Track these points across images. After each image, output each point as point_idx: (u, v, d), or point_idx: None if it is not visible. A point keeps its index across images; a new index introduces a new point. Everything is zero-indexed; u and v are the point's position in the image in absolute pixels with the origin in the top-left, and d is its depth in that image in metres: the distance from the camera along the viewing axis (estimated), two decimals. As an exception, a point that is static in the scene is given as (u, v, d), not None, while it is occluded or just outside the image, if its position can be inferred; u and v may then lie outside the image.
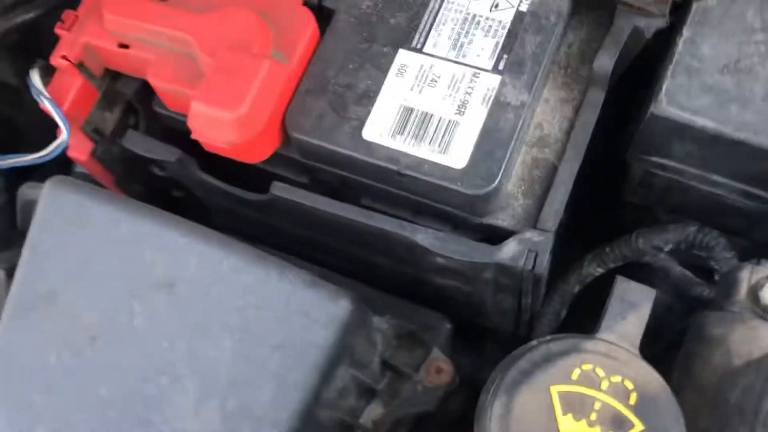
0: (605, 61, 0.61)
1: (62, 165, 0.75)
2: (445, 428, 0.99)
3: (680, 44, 0.60)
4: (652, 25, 0.62)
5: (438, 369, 0.72)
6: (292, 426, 0.58)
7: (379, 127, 0.61)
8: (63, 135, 0.67)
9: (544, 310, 0.72)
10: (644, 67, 0.67)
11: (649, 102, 0.60)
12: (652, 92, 0.61)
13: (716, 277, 0.63)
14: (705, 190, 0.66)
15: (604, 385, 0.48)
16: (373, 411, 0.72)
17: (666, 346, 0.68)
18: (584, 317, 0.65)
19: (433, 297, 0.76)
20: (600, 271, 0.70)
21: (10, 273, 0.67)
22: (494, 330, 0.85)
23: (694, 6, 0.61)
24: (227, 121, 0.59)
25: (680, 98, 0.58)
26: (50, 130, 0.69)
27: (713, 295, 0.61)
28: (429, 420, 1.00)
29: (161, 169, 0.82)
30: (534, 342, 0.51)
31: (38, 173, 0.76)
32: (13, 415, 0.63)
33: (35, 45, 0.74)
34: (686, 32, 0.60)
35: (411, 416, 0.73)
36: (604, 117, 0.65)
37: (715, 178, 0.63)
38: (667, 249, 0.66)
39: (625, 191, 0.73)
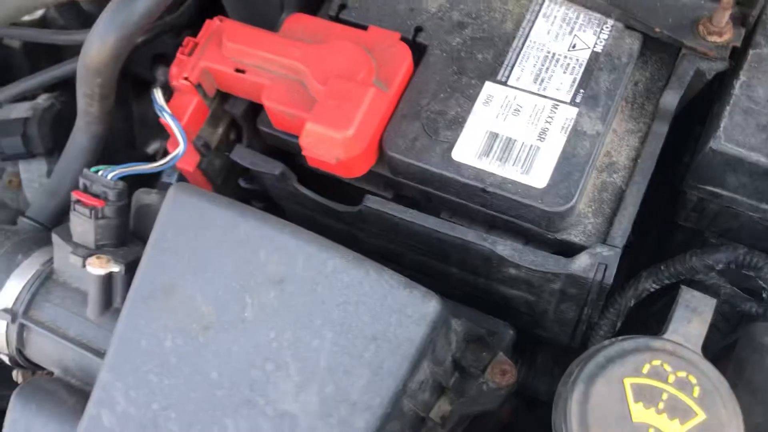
0: (670, 99, 0.69)
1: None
2: (497, 432, 1.06)
3: (737, 87, 0.67)
4: (712, 68, 0.70)
5: (503, 371, 0.79)
6: (384, 411, 0.66)
7: (467, 149, 0.69)
8: (180, 147, 0.76)
9: (601, 322, 0.79)
10: (697, 104, 0.75)
11: (708, 137, 0.68)
12: (711, 129, 0.68)
13: (764, 295, 0.70)
14: (754, 216, 0.73)
15: (671, 379, 0.55)
16: (442, 407, 0.80)
17: (711, 359, 0.74)
18: (635, 329, 0.72)
19: (498, 307, 0.83)
20: (655, 286, 0.77)
21: (129, 268, 0.75)
22: (546, 343, 0.92)
23: (750, 53, 0.68)
24: (337, 140, 0.68)
25: (737, 135, 0.66)
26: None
27: (762, 310, 0.68)
28: (480, 425, 1.07)
29: (249, 182, 0.91)
30: (607, 341, 0.59)
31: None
32: (130, 391, 0.70)
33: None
34: (743, 76, 0.67)
35: (473, 414, 0.80)
36: (665, 147, 0.73)
37: (765, 206, 0.70)
38: (718, 268, 0.73)
39: (678, 215, 0.81)
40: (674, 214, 0.82)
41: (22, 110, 1.05)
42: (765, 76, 0.68)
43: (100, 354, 0.75)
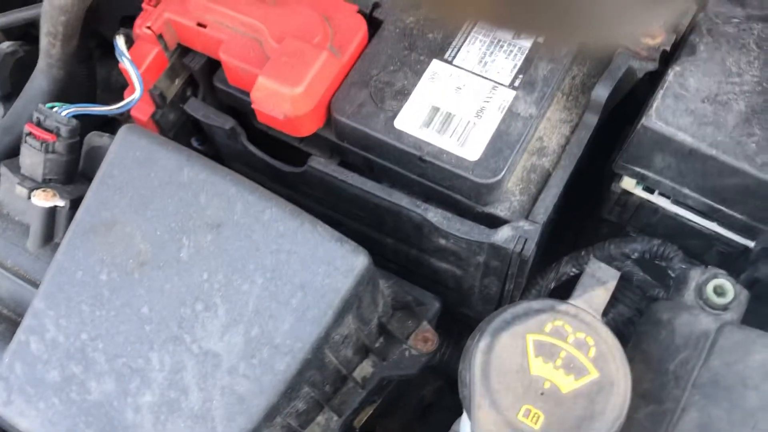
0: (601, 92, 0.74)
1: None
2: (418, 412, 1.10)
3: (671, 75, 0.72)
4: (643, 67, 0.75)
5: (425, 338, 0.83)
6: (305, 356, 0.69)
7: (410, 119, 0.73)
8: (136, 92, 0.79)
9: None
10: (631, 107, 0.80)
11: (641, 118, 0.72)
12: (644, 111, 0.72)
13: (671, 283, 0.75)
14: (670, 212, 0.78)
15: (570, 339, 0.60)
16: (364, 369, 0.83)
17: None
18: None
19: (428, 282, 0.87)
20: (575, 271, 0.81)
21: (73, 204, 0.77)
22: (474, 325, 0.96)
23: (686, 47, 0.73)
24: (286, 96, 0.71)
25: (666, 115, 0.70)
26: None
27: (667, 296, 0.73)
28: (405, 404, 1.10)
29: (200, 143, 0.94)
30: (517, 302, 0.63)
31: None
32: (61, 320, 0.72)
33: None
34: (677, 67, 0.72)
35: (395, 378, 0.84)
36: (594, 141, 0.78)
37: (686, 191, 0.75)
38: (633, 257, 0.78)
39: (603, 209, 0.86)
40: (600, 209, 0.87)
41: (-17, 53, 1.06)
42: (697, 69, 0.72)
43: (36, 285, 0.77)
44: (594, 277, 0.63)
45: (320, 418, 0.80)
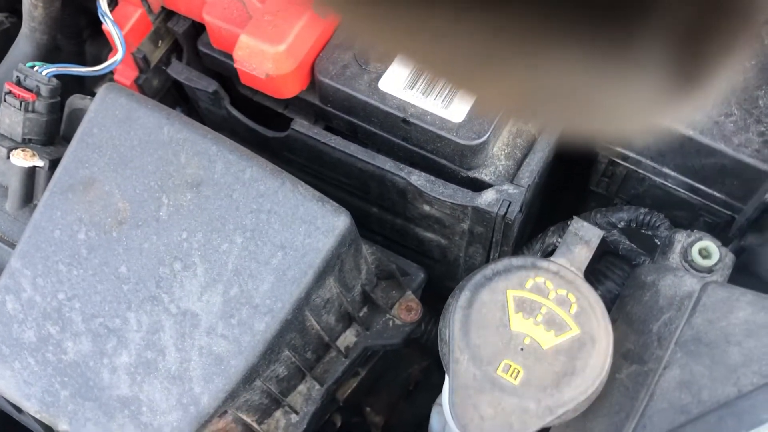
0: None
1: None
2: (405, 391, 1.09)
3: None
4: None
5: (409, 308, 0.82)
6: (285, 317, 0.68)
7: (394, 81, 0.72)
8: (119, 54, 0.78)
9: (508, 273, 0.83)
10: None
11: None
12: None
13: (657, 251, 0.74)
14: (657, 181, 0.78)
15: (552, 295, 0.59)
16: (348, 338, 0.82)
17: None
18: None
19: (414, 253, 0.86)
20: (561, 241, 0.80)
21: (53, 165, 0.76)
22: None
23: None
24: (268, 54, 0.70)
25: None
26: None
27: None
28: (391, 382, 1.09)
29: (184, 112, 0.93)
30: (497, 259, 0.62)
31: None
32: (38, 279, 0.71)
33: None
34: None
35: (379, 348, 0.83)
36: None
37: (666, 170, 0.75)
38: (620, 226, 0.77)
39: (591, 181, 0.85)
40: (587, 180, 0.86)
41: (-32, 22, 1.05)
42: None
43: (14, 246, 0.76)
44: (576, 236, 0.62)
45: (302, 387, 0.79)
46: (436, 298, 0.89)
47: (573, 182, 0.89)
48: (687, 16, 0.22)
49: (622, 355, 0.60)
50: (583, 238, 0.62)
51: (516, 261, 0.59)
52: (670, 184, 0.77)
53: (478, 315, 0.58)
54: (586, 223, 0.62)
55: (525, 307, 0.58)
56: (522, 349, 0.57)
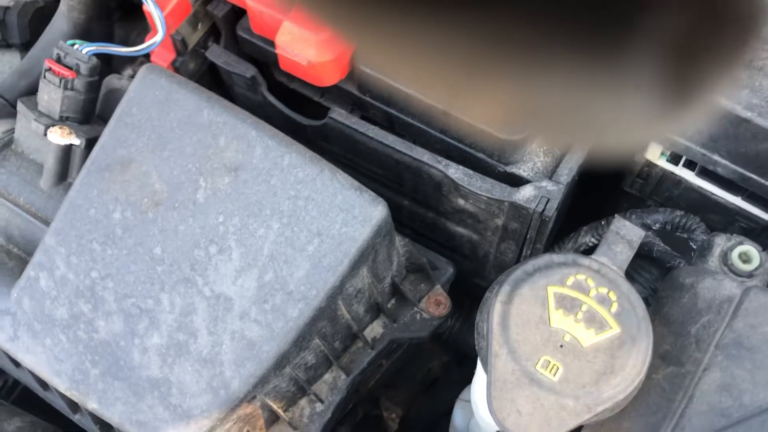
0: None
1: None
2: (424, 385, 1.09)
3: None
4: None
5: (437, 302, 0.82)
6: (319, 304, 0.68)
7: (435, 73, 0.72)
8: (159, 35, 0.77)
9: (538, 271, 0.82)
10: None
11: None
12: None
13: (693, 255, 0.73)
14: (693, 184, 0.77)
15: (592, 293, 0.58)
16: (375, 329, 0.82)
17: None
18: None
19: (443, 248, 0.86)
20: (593, 241, 0.80)
21: (89, 144, 0.76)
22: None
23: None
24: (312, 40, 0.70)
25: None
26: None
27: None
28: (411, 376, 1.09)
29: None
30: (538, 255, 0.62)
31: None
32: (72, 257, 0.71)
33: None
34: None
35: (405, 341, 0.83)
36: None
37: (716, 158, 0.72)
38: (655, 228, 0.76)
39: (625, 181, 0.84)
40: (621, 181, 0.86)
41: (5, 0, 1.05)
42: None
43: (47, 224, 0.76)
44: (618, 234, 0.61)
45: (328, 376, 0.79)
46: (460, 294, 0.89)
47: (604, 182, 0.88)
48: (682, 33, 0.22)
49: (659, 355, 0.60)
50: (624, 237, 0.61)
51: (557, 258, 0.59)
52: (706, 188, 0.77)
53: (518, 310, 0.57)
54: (628, 223, 0.62)
55: (565, 304, 0.58)
56: (561, 346, 0.57)
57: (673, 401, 0.57)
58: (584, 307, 0.58)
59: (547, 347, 0.57)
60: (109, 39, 1.27)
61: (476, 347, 0.61)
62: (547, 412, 0.55)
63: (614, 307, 0.58)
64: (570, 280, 0.59)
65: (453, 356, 1.09)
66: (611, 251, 0.61)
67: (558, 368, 0.56)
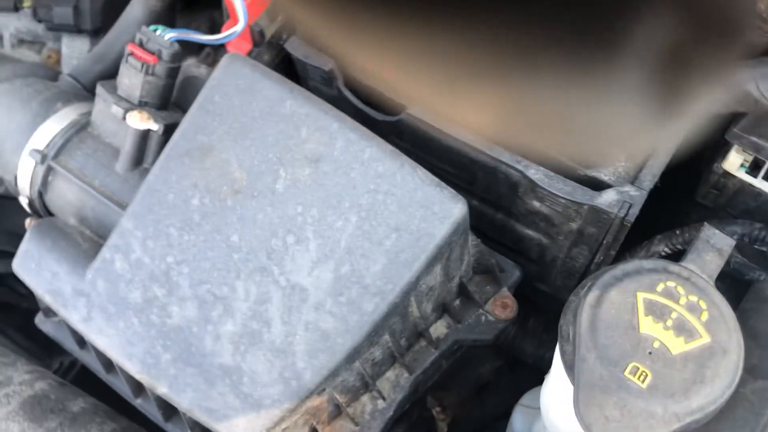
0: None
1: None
2: (474, 390, 1.08)
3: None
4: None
5: (504, 304, 0.81)
6: (394, 299, 0.67)
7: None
8: (240, 23, 0.78)
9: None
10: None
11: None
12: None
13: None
14: (773, 197, 0.76)
15: (682, 300, 0.57)
16: (438, 329, 0.81)
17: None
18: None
19: (509, 251, 0.85)
20: (666, 250, 0.79)
21: (166, 130, 0.77)
22: (540, 307, 0.93)
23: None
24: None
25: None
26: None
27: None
28: (462, 380, 1.08)
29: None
30: (627, 260, 0.61)
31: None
32: (148, 241, 0.72)
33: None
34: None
35: (468, 343, 0.82)
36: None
37: None
38: (732, 239, 0.75)
39: (698, 193, 0.83)
40: (694, 192, 0.84)
41: (78, -15, 1.06)
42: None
43: (122, 207, 0.76)
44: (708, 243, 0.60)
45: (390, 373, 0.78)
46: (517, 299, 0.88)
47: (675, 191, 0.87)
48: (670, 44, 0.22)
49: (746, 369, 0.59)
50: (714, 246, 0.60)
51: (647, 264, 0.58)
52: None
53: (607, 315, 0.56)
54: (718, 231, 0.61)
55: (655, 311, 0.57)
56: (650, 353, 0.56)
57: (761, 416, 0.56)
58: (674, 315, 0.57)
59: (636, 353, 0.56)
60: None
61: (559, 351, 0.60)
62: (635, 419, 0.54)
63: (704, 316, 0.57)
64: (660, 287, 0.58)
65: (505, 361, 1.08)
66: (701, 259, 0.60)
67: (647, 375, 0.55)
